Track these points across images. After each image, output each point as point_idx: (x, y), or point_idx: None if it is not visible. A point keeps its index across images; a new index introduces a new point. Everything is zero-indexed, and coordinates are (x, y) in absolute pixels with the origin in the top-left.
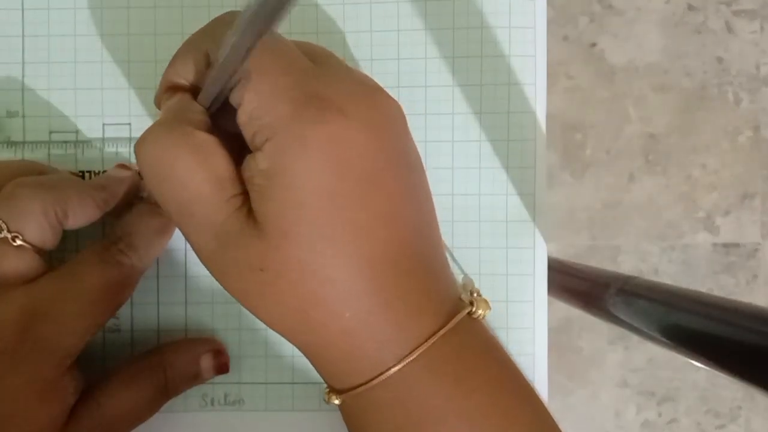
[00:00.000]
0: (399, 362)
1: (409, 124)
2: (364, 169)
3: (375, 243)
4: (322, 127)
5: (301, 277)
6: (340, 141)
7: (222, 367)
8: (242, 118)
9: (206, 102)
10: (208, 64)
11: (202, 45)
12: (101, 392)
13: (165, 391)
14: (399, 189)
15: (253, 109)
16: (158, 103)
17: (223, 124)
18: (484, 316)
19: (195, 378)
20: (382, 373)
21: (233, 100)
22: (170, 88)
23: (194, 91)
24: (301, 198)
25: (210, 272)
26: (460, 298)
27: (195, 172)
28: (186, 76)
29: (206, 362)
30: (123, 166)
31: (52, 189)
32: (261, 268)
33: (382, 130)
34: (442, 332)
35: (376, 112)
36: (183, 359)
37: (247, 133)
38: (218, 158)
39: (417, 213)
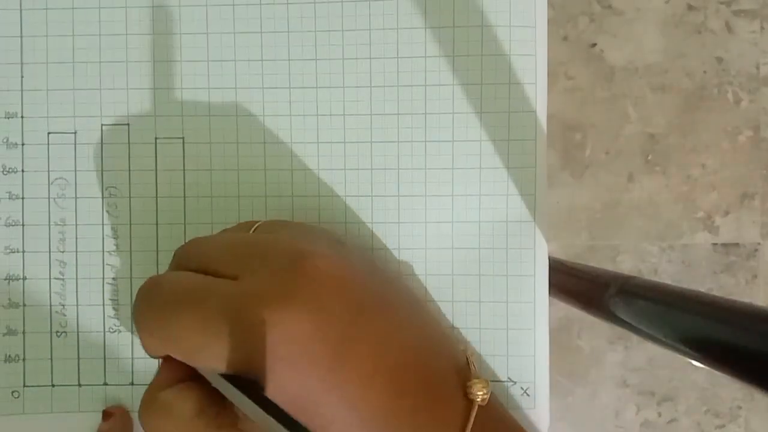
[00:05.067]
0: None
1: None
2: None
3: (374, 392)
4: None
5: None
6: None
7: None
8: None
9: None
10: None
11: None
12: None
13: None
14: (382, 334)
15: None
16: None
17: None
18: (486, 397)
19: None
20: None
21: None
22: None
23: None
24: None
25: None
26: (466, 395)
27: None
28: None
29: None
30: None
31: None
32: None
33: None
34: None
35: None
36: None
37: None
38: None
39: (413, 340)
